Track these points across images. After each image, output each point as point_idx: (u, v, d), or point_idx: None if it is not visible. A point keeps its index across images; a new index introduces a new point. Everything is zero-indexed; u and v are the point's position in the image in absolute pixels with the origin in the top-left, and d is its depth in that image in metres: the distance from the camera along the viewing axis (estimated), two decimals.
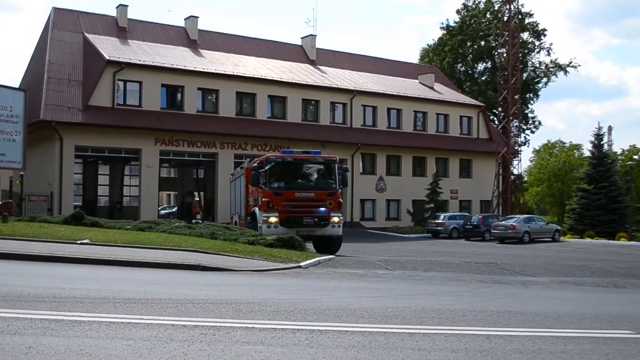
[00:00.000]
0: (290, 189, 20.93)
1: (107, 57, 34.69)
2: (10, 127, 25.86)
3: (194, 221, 32.77)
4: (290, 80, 41.64)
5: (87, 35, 38.46)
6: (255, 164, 21.95)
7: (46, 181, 33.21)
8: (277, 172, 21.18)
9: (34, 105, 31.11)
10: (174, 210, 49.03)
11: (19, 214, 30.13)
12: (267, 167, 21.19)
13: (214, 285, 11.43)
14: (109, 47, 36.86)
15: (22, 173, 30.71)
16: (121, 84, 35.73)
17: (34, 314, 7.06)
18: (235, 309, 8.53)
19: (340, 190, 21.57)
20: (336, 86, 43.87)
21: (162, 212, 46.23)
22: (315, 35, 49.53)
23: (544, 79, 71.40)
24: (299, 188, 21.12)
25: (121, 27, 41.10)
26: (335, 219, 20.68)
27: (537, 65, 71.55)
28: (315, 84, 42.93)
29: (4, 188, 47.52)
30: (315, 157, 21.87)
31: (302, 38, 50.38)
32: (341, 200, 21.74)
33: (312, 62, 48.09)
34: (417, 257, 21.94)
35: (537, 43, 70.76)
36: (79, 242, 16.44)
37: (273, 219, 20.57)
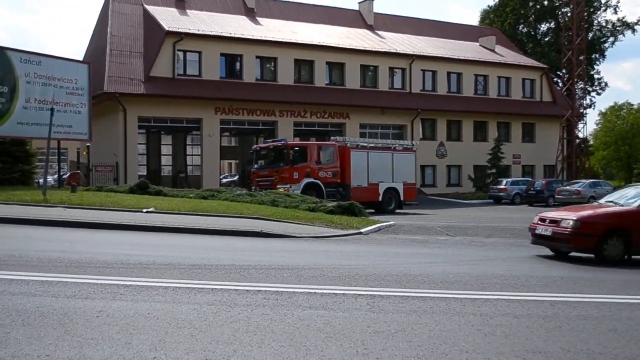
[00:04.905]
0: (258, 168, 28.60)
1: (167, 28, 35.06)
2: (75, 100, 26.51)
3: (254, 189, 33.15)
4: (348, 46, 41.31)
5: (146, 6, 38.90)
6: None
7: (112, 152, 34.02)
8: (254, 157, 29.41)
9: (97, 77, 31.72)
10: (235, 178, 49.66)
11: (87, 184, 31.09)
12: (251, 154, 30.77)
13: (276, 251, 11.59)
14: (168, 17, 37.24)
15: (88, 144, 31.56)
16: (181, 54, 36.14)
17: (104, 279, 7.31)
18: (297, 274, 8.64)
19: (287, 167, 26.77)
20: (395, 51, 43.33)
21: (224, 180, 46.89)
22: (373, 0, 48.85)
23: (611, 39, 68.69)
24: (261, 168, 28.41)
25: None
26: (281, 190, 25.08)
27: (603, 24, 68.87)
28: (374, 49, 42.47)
29: (72, 159, 48.94)
30: (268, 146, 28.75)
31: (359, 3, 49.73)
32: (285, 175, 26.73)
33: (370, 27, 47.53)
34: (479, 223, 21.73)
35: (603, 1, 68.09)
36: (144, 210, 16.86)
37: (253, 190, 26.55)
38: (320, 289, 7.56)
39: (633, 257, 12.42)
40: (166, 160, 44.51)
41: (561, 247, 12.74)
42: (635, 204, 12.71)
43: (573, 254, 12.75)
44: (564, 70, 56.12)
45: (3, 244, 10.15)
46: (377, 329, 5.70)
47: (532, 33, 70.60)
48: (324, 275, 8.72)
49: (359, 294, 7.33)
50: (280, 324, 5.66)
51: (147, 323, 5.44)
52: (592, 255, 12.30)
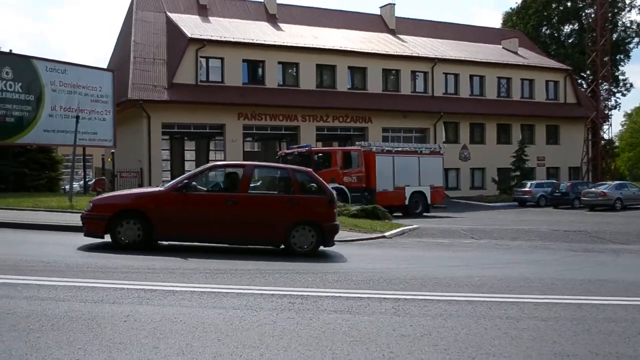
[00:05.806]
0: None
1: (190, 35, 35.30)
2: (100, 107, 26.83)
3: None
4: (370, 51, 41.29)
5: (169, 14, 39.23)
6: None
7: (136, 158, 34.30)
8: (282, 162, 27.83)
9: (121, 84, 32.05)
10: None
11: (112, 189, 31.37)
12: (277, 159, 29.76)
13: (299, 255, 11.59)
14: (190, 25, 37.52)
15: (113, 151, 31.89)
16: (203, 61, 36.36)
17: (130, 284, 7.37)
18: (322, 278, 8.65)
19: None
20: (417, 55, 43.21)
21: None
22: (394, 4, 48.75)
23: (635, 39, 68.09)
24: None
25: (202, 5, 41.66)
26: None
27: (628, 24, 68.24)
28: (395, 53, 42.41)
29: (97, 166, 49.44)
30: (294, 151, 29.05)
31: (380, 7, 49.68)
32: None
33: (392, 32, 47.47)
34: (504, 225, 21.58)
35: (627, 1, 67.45)
36: None
37: None
38: (346, 292, 7.56)
39: (158, 242, 11.65)
40: (189, 166, 44.63)
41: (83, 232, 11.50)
42: (165, 186, 11.81)
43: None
44: (588, 72, 55.58)
45: (31, 250, 10.28)
46: (402, 333, 5.68)
47: (556, 35, 70.04)
48: (348, 279, 8.72)
49: (384, 298, 7.32)
50: (306, 328, 5.67)
51: (174, 327, 5.48)
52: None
